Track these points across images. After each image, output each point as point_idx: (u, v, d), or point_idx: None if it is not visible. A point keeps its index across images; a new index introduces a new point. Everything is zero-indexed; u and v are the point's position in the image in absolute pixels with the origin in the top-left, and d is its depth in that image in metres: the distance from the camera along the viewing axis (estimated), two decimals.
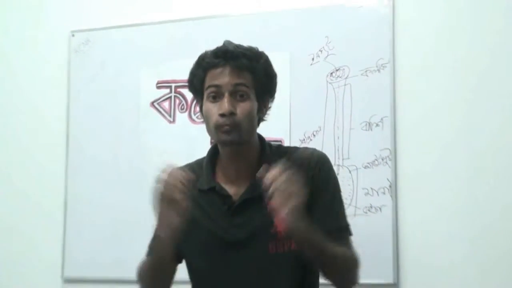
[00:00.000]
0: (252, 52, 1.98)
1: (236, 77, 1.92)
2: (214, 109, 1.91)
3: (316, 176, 1.97)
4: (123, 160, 3.40)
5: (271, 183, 1.73)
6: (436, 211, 2.91)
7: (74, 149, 3.50)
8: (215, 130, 1.92)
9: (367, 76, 3.05)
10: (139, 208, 3.01)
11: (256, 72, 1.96)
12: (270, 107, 2.06)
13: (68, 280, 3.43)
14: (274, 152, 2.03)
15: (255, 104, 1.96)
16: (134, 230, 3.18)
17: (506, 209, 2.83)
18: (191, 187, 1.81)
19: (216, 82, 1.92)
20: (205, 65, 1.96)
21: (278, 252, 1.94)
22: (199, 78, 1.98)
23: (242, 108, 1.91)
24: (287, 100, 3.11)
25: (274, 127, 2.94)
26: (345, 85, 3.08)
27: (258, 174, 1.80)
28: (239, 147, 1.93)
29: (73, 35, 3.55)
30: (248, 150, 1.97)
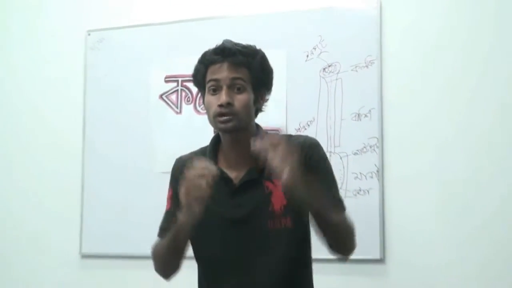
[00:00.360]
0: (249, 49, 2.04)
1: (233, 71, 1.98)
2: (214, 101, 1.97)
3: (309, 157, 2.01)
4: (134, 146, 3.44)
5: (267, 149, 1.78)
6: (419, 193, 2.97)
7: (90, 135, 3.55)
8: (214, 119, 1.98)
9: (356, 71, 3.10)
10: (150, 189, 3.06)
11: (252, 67, 2.01)
12: (267, 99, 2.10)
13: (85, 256, 3.49)
14: None
15: (251, 96, 2.00)
16: (146, 210, 3.20)
17: (488, 187, 2.89)
18: (215, 179, 1.82)
19: (216, 77, 1.98)
20: (206, 61, 2.02)
21: (276, 228, 1.99)
22: (201, 73, 2.04)
23: (239, 100, 1.96)
24: (284, 93, 3.16)
25: (272, 118, 3.02)
26: (336, 79, 3.13)
27: (252, 142, 1.83)
28: (238, 135, 1.98)
29: (89, 34, 3.60)
30: (246, 137, 1.97)
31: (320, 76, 3.15)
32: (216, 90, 1.98)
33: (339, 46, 3.13)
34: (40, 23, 3.77)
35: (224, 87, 1.96)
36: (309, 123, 3.13)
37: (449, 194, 2.93)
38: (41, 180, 3.63)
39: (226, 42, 2.03)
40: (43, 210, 3.60)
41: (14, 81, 3.78)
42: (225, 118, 1.95)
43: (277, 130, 3.02)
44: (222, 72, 1.98)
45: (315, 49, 3.17)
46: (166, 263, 2.09)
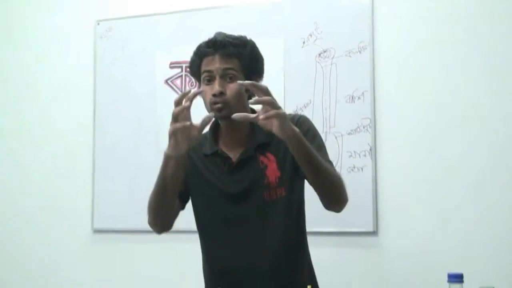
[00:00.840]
0: (240, 40, 2.09)
1: (225, 62, 2.03)
2: (209, 90, 2.03)
3: (299, 127, 1.99)
4: (142, 127, 3.47)
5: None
6: (409, 170, 3.01)
7: (100, 118, 3.58)
8: (209, 107, 2.04)
9: (350, 56, 3.12)
10: (156, 167, 3.06)
11: (242, 57, 2.07)
12: None
13: (97, 231, 3.52)
14: None
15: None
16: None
17: (479, 160, 2.90)
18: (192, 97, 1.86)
19: (209, 68, 2.04)
20: (200, 54, 2.09)
21: (272, 198, 2.07)
22: (196, 65, 2.11)
23: (230, 88, 2.02)
24: (282, 77, 3.19)
25: None
26: (331, 64, 3.15)
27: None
28: (232, 120, 1.96)
29: (98, 24, 3.63)
30: (241, 122, 2.01)
31: (316, 61, 3.18)
32: (210, 80, 2.05)
33: (334, 33, 3.16)
34: (52, 14, 3.80)
35: (217, 78, 2.02)
36: (305, 105, 3.15)
37: (439, 171, 2.96)
38: (55, 160, 3.66)
39: (217, 35, 2.10)
40: (57, 188, 3.64)
41: (25, 70, 3.81)
42: (218, 106, 2.01)
43: None
44: (214, 64, 2.04)
45: (311, 36, 3.19)
46: (156, 211, 2.10)
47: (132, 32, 3.55)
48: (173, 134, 1.88)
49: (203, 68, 2.06)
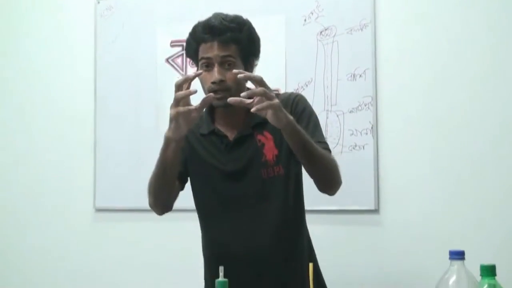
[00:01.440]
0: (237, 23, 2.07)
1: (223, 50, 2.02)
2: (207, 77, 2.03)
3: (294, 108, 2.10)
4: (143, 106, 3.47)
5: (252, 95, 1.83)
6: (410, 148, 3.00)
7: (101, 98, 3.57)
8: (207, 93, 2.02)
9: (351, 34, 3.10)
10: (157, 146, 3.06)
11: (240, 42, 2.06)
12: (256, 64, 2.17)
13: (99, 210, 3.53)
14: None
15: (241, 68, 2.04)
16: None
17: (475, 138, 2.90)
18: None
19: (207, 55, 2.03)
20: (197, 38, 2.08)
21: (270, 176, 2.08)
22: (193, 49, 2.10)
23: (230, 75, 2.01)
24: (283, 55, 3.16)
25: (272, 79, 3.00)
26: (333, 42, 3.13)
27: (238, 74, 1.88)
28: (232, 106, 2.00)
29: (98, 2, 3.61)
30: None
31: (317, 39, 3.16)
32: (208, 66, 2.03)
33: (335, 10, 3.13)
34: None
35: (216, 65, 2.02)
36: (307, 83, 3.14)
37: (440, 148, 2.96)
38: (57, 139, 3.67)
39: (214, 19, 2.07)
40: (59, 167, 3.65)
41: (25, 50, 3.79)
42: (219, 95, 2.00)
43: (277, 90, 3.00)
44: (213, 51, 2.03)
45: (312, 13, 3.17)
46: (156, 193, 2.13)
47: (132, 11, 3.52)
48: (174, 117, 1.89)
49: (201, 54, 2.05)
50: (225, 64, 2.02)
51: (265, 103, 1.81)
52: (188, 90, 1.87)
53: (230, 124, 2.12)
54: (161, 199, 2.15)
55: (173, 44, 3.42)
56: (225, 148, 2.11)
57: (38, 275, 3.62)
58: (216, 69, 2.00)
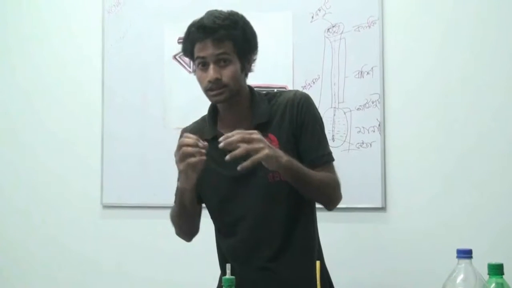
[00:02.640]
0: (230, 20, 2.04)
1: (217, 48, 2.00)
2: (204, 76, 2.02)
3: (300, 112, 2.06)
4: (150, 103, 3.44)
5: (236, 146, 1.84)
6: (418, 146, 2.99)
7: (108, 94, 3.54)
8: (206, 93, 2.04)
9: (359, 31, 3.09)
10: (165, 143, 3.07)
11: (235, 38, 2.03)
12: (255, 60, 2.14)
13: (106, 206, 3.52)
14: (262, 98, 2.13)
15: (238, 66, 2.04)
16: (161, 163, 3.23)
17: (483, 137, 2.89)
18: (206, 149, 1.90)
19: (201, 54, 2.02)
20: (191, 39, 2.06)
21: (276, 180, 2.04)
22: (188, 49, 2.09)
23: (226, 73, 2.00)
24: (290, 52, 3.13)
25: (279, 76, 3.06)
26: (340, 39, 3.11)
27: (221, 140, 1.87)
28: (231, 102, 2.02)
29: None
30: (239, 101, 2.07)
31: (325, 36, 3.14)
32: (204, 65, 2.02)
33: (343, 7, 3.12)
34: None
35: (211, 64, 2.00)
36: (314, 80, 3.13)
37: (448, 146, 2.95)
38: (64, 136, 3.65)
39: (206, 18, 2.04)
40: (67, 164, 3.64)
41: (34, 45, 3.78)
42: (215, 92, 2.01)
43: (284, 87, 3.01)
44: (207, 50, 2.01)
45: (319, 10, 3.15)
46: (181, 227, 2.19)
47: (140, 7, 3.50)
48: (184, 171, 1.92)
49: (196, 53, 2.04)
50: (221, 61, 2.00)
51: (249, 162, 1.82)
52: (200, 158, 1.88)
53: (233, 125, 2.06)
54: (187, 229, 2.20)
55: (181, 40, 3.35)
56: (229, 153, 2.01)
57: (45, 271, 3.62)
58: (211, 68, 1.99)
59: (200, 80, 2.04)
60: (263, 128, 2.04)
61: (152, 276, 3.37)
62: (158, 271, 3.37)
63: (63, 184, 3.63)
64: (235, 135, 1.84)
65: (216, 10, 2.07)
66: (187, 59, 3.32)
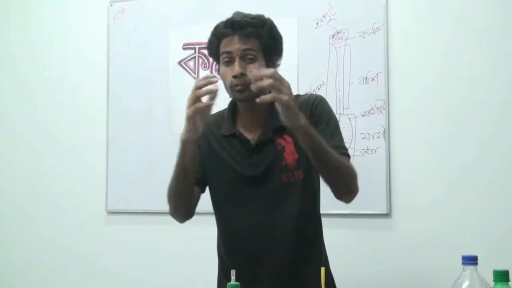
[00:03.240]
0: (258, 19, 2.06)
1: (244, 43, 2.01)
2: (229, 72, 2.02)
3: (314, 110, 2.07)
4: (155, 109, 3.47)
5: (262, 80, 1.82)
6: (423, 152, 2.98)
7: (113, 100, 3.57)
8: (230, 89, 2.04)
9: (364, 37, 3.09)
10: (169, 149, 3.06)
11: (261, 37, 2.05)
12: (279, 64, 2.15)
13: (111, 212, 3.54)
14: None
15: (263, 64, 2.04)
16: (166, 169, 3.16)
17: (487, 143, 2.88)
18: (214, 98, 1.87)
19: (228, 49, 2.03)
20: (218, 34, 2.07)
21: (290, 181, 2.05)
22: (214, 46, 2.09)
23: (251, 69, 1.99)
24: (295, 58, 3.16)
25: None
26: (345, 45, 3.12)
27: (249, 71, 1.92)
28: (252, 101, 1.98)
29: (111, 5, 3.62)
30: (260, 103, 1.97)
31: (330, 42, 3.15)
32: (229, 62, 2.03)
33: (348, 13, 3.13)
34: None
35: (237, 59, 2.01)
36: (319, 86, 3.14)
37: (453, 152, 2.94)
38: (70, 141, 3.68)
39: (235, 15, 2.07)
40: (72, 170, 3.66)
41: (39, 50, 3.81)
42: (239, 88, 2.00)
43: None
44: (233, 45, 2.02)
45: (324, 16, 3.16)
46: (177, 203, 2.12)
47: (145, 14, 3.53)
48: (192, 115, 1.88)
49: (222, 49, 2.04)
50: (246, 58, 2.01)
51: (269, 96, 1.80)
52: (209, 87, 1.86)
53: (251, 126, 2.10)
54: (182, 206, 2.14)
55: (186, 47, 3.42)
56: (246, 152, 2.09)
57: (50, 276, 3.63)
58: (237, 62, 2.00)
59: (224, 76, 2.04)
60: (280, 130, 2.05)
61: (157, 281, 3.37)
62: (162, 276, 3.36)
63: (68, 189, 3.65)
64: (267, 72, 1.84)
65: (243, 12, 2.09)
66: (192, 65, 3.39)
